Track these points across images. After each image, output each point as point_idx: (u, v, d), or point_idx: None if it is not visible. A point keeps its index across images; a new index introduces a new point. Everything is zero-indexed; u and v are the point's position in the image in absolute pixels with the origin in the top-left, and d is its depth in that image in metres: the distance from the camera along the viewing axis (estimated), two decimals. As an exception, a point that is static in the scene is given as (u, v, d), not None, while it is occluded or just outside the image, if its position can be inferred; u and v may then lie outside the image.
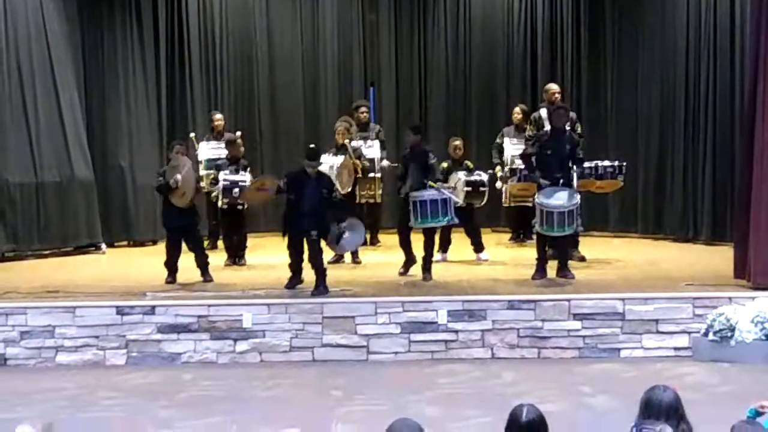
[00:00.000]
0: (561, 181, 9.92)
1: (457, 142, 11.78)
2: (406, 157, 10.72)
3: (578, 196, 9.95)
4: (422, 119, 14.75)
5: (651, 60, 13.51)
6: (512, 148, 12.27)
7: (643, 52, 13.65)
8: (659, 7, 13.47)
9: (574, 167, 10.17)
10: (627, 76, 13.92)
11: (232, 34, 14.68)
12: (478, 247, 11.65)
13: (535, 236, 10.53)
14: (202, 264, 10.35)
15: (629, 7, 13.91)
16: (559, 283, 9.76)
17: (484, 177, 11.51)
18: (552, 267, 10.06)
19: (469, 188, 11.26)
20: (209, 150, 12.29)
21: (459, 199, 10.92)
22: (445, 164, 11.46)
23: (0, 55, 11.87)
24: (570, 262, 10.29)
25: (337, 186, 10.90)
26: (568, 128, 10.51)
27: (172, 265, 10.23)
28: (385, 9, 15.06)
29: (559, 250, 10.17)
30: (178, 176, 10.15)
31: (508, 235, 13.31)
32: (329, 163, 11.30)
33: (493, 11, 15.03)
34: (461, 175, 11.30)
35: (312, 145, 10.59)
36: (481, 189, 11.43)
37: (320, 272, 9.54)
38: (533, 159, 10.25)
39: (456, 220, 10.41)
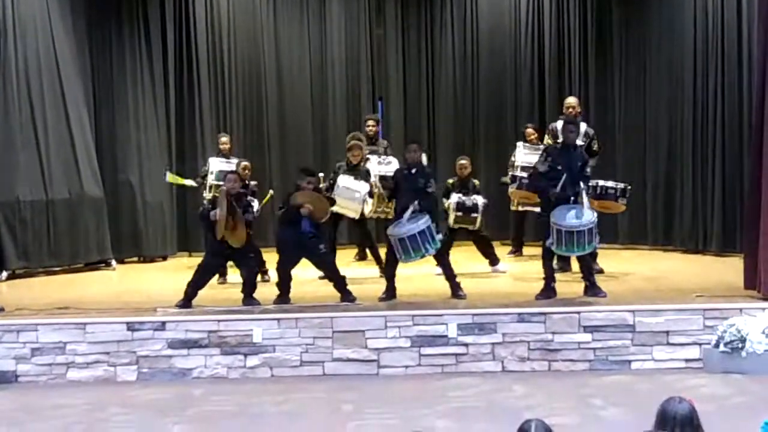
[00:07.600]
0: (572, 198, 9.41)
1: (463, 161, 11.69)
2: (401, 174, 10.04)
3: (595, 214, 9.42)
4: (430, 134, 14.80)
5: (658, 71, 13.54)
6: (523, 153, 12.15)
7: (651, 63, 13.68)
8: (666, 17, 13.50)
9: (581, 184, 9.51)
10: (635, 87, 13.95)
11: (241, 51, 14.73)
12: (493, 259, 11.63)
13: (543, 253, 9.94)
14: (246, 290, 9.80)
15: (635, 18, 13.95)
16: (568, 295, 9.74)
17: (480, 201, 11.28)
18: (562, 282, 9.99)
19: (459, 213, 11.09)
20: (219, 164, 12.23)
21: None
22: (451, 181, 11.46)
23: (9, 73, 11.93)
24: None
25: (365, 210, 10.94)
26: (580, 143, 10.43)
27: (193, 290, 9.62)
28: (392, 24, 15.11)
29: (583, 270, 9.77)
30: (218, 211, 9.60)
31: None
32: (356, 188, 10.81)
33: (501, 26, 15.08)
34: (454, 197, 11.11)
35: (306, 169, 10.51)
36: (473, 215, 11.17)
37: (341, 282, 9.70)
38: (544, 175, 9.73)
39: (437, 246, 9.58)
